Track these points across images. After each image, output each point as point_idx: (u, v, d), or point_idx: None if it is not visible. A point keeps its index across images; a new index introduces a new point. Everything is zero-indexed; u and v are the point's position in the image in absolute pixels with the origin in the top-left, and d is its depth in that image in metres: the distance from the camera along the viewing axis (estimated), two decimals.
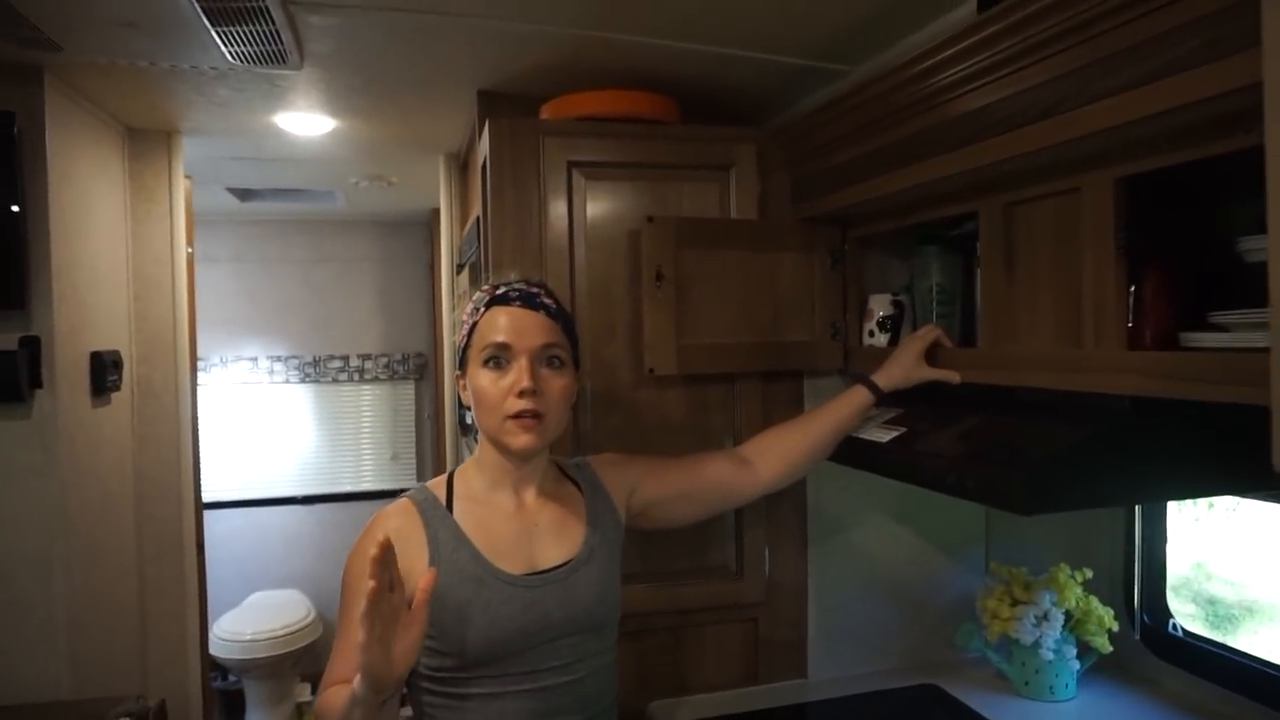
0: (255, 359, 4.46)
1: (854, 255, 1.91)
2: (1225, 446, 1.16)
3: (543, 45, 1.82)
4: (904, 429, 1.56)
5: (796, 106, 2.08)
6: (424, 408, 4.68)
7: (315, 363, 4.53)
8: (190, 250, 2.82)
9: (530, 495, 1.40)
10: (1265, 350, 0.91)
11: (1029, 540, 2.03)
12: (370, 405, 4.65)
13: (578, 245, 1.82)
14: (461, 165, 3.05)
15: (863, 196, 1.67)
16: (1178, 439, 1.22)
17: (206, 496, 3.04)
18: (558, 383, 1.34)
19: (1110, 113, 1.10)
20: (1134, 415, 1.22)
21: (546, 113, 1.92)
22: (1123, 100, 1.08)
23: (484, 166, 1.83)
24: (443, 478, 1.42)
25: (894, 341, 1.79)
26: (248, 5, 1.60)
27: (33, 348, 2.01)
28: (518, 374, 1.31)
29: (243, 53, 1.86)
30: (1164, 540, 1.88)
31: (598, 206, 1.83)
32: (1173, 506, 1.90)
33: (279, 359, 4.49)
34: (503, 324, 1.33)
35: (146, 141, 2.63)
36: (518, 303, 1.35)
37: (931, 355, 1.61)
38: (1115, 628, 1.82)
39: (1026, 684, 1.86)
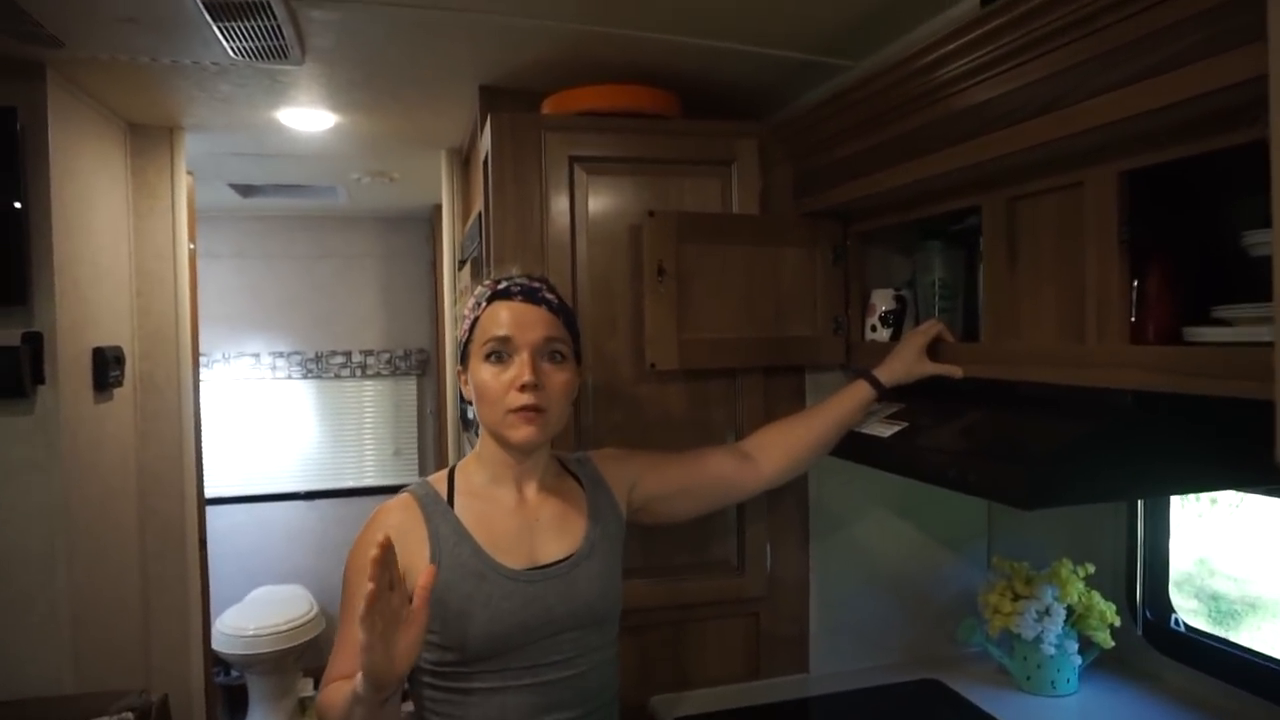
0: (258, 355, 4.46)
1: (856, 250, 1.91)
2: (1227, 441, 1.16)
3: (544, 40, 1.82)
4: (906, 424, 1.56)
5: (798, 101, 2.08)
6: (426, 403, 4.68)
7: (317, 358, 4.53)
8: (192, 246, 2.82)
9: (531, 490, 1.40)
10: (1269, 345, 0.91)
11: (1031, 535, 2.03)
12: (372, 401, 4.65)
13: (579, 240, 1.82)
14: (463, 161, 3.04)
15: (865, 191, 1.66)
16: (1180, 434, 1.22)
17: (209, 492, 3.05)
18: (559, 377, 1.34)
19: (1111, 108, 1.10)
20: (1136, 410, 1.22)
21: (548, 108, 1.92)
22: (1123, 95, 1.08)
23: (485, 162, 1.83)
24: (444, 473, 1.43)
25: (896, 336, 1.79)
26: (249, 0, 1.60)
27: (35, 343, 2.01)
28: (519, 368, 1.31)
29: (244, 48, 1.86)
30: (1166, 535, 1.88)
31: (599, 201, 1.83)
32: (1175, 502, 1.90)
33: (281, 355, 4.49)
34: (504, 318, 1.33)
35: (148, 137, 2.63)
36: (519, 297, 1.35)
37: (934, 350, 1.61)
38: (1117, 623, 1.82)
39: (1028, 679, 1.86)
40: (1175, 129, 1.08)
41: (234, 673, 3.96)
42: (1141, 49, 1.04)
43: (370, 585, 1.05)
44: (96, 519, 2.28)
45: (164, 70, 2.07)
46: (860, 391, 1.64)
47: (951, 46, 1.32)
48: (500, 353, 1.32)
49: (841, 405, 1.65)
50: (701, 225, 1.81)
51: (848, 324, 1.92)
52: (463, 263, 2.84)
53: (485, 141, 1.83)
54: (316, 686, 2.53)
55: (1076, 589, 1.83)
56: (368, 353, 4.59)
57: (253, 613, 3.90)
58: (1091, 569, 1.86)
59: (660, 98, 1.91)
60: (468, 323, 1.39)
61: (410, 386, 4.68)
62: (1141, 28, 1.03)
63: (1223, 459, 1.22)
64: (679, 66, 1.92)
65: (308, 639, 3.88)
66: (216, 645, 3.57)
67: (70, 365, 2.12)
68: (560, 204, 1.81)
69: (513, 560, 1.32)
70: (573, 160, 1.81)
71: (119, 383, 2.44)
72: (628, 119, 1.86)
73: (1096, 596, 1.83)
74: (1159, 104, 1.03)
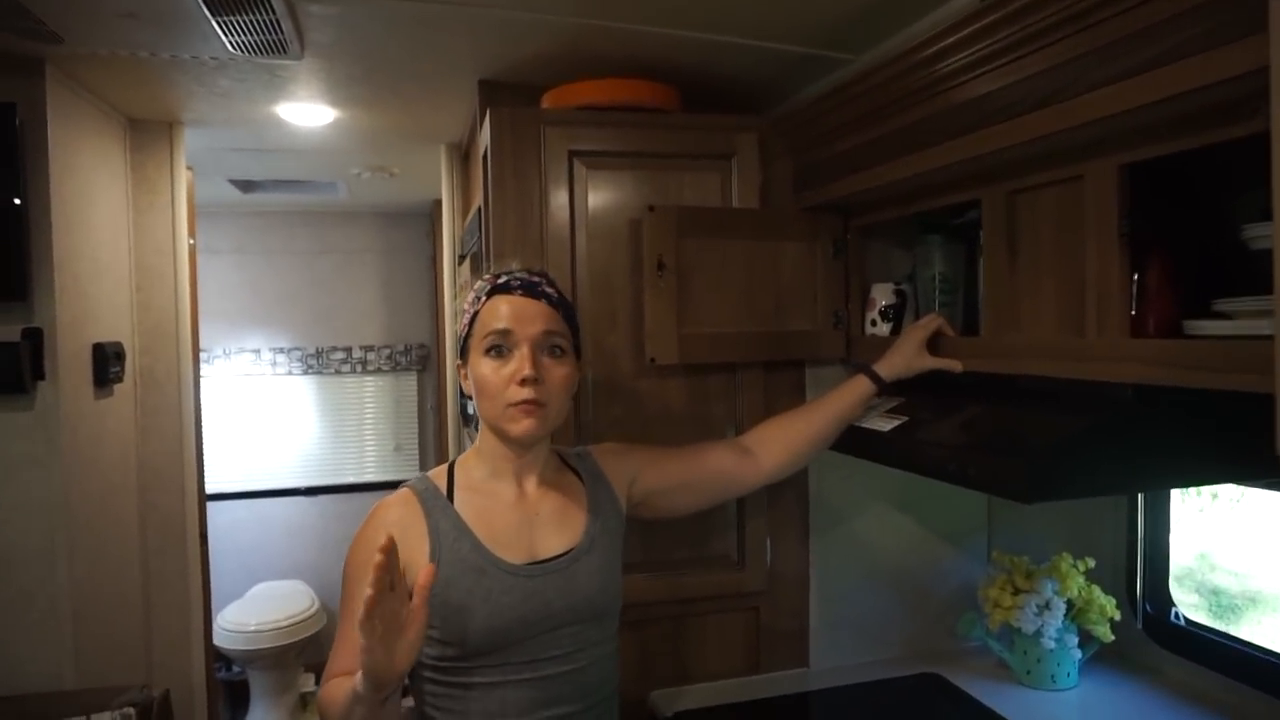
0: (258, 351, 4.46)
1: (856, 244, 1.91)
2: (1227, 435, 1.16)
3: (543, 34, 1.82)
4: (906, 418, 1.56)
5: (798, 95, 2.07)
6: (426, 399, 4.68)
7: (318, 354, 4.53)
8: (192, 241, 2.81)
9: (531, 484, 1.40)
10: (1269, 338, 0.91)
11: (1031, 529, 2.03)
12: (373, 397, 4.65)
13: (579, 235, 1.82)
14: (463, 156, 3.04)
15: (865, 185, 1.66)
16: (1180, 427, 1.22)
17: (210, 488, 3.05)
18: (559, 371, 1.34)
19: (1110, 101, 1.10)
20: (1136, 404, 1.22)
21: (547, 102, 1.92)
22: (1122, 88, 1.08)
23: (485, 156, 1.83)
24: (443, 467, 1.43)
25: (896, 331, 1.79)
26: None
27: (35, 339, 2.01)
28: (519, 362, 1.31)
29: (243, 42, 1.86)
30: (1166, 529, 1.88)
31: (599, 196, 1.83)
32: (1176, 498, 1.90)
33: (281, 351, 4.49)
34: (504, 312, 1.33)
35: (148, 132, 2.63)
36: (519, 291, 1.35)
37: (934, 344, 1.61)
38: (1117, 616, 1.82)
39: (1028, 673, 1.86)
40: (1174, 122, 1.08)
41: (235, 668, 3.97)
42: (1139, 43, 1.04)
43: (369, 591, 1.04)
44: (97, 514, 2.28)
45: (163, 65, 2.07)
46: (860, 386, 1.64)
47: (950, 40, 1.31)
48: (500, 346, 1.32)
49: (841, 400, 1.65)
50: (701, 220, 1.81)
51: (848, 318, 1.91)
52: (462, 258, 2.84)
53: (485, 136, 1.82)
54: (318, 682, 2.52)
55: (1076, 583, 1.83)
56: (368, 348, 4.59)
57: (254, 608, 3.90)
58: (1092, 563, 1.86)
59: (660, 92, 1.90)
60: (467, 317, 1.39)
61: (411, 382, 4.68)
62: (1138, 22, 1.03)
63: (1223, 453, 1.22)
64: (679, 60, 1.91)
65: (309, 634, 3.88)
66: (218, 641, 3.57)
67: (70, 361, 2.12)
68: (560, 198, 1.80)
69: (512, 555, 1.32)
70: (572, 155, 1.81)
71: (119, 378, 2.44)
72: (627, 113, 1.86)
73: (1096, 590, 1.83)
74: (1158, 97, 1.03)
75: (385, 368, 4.61)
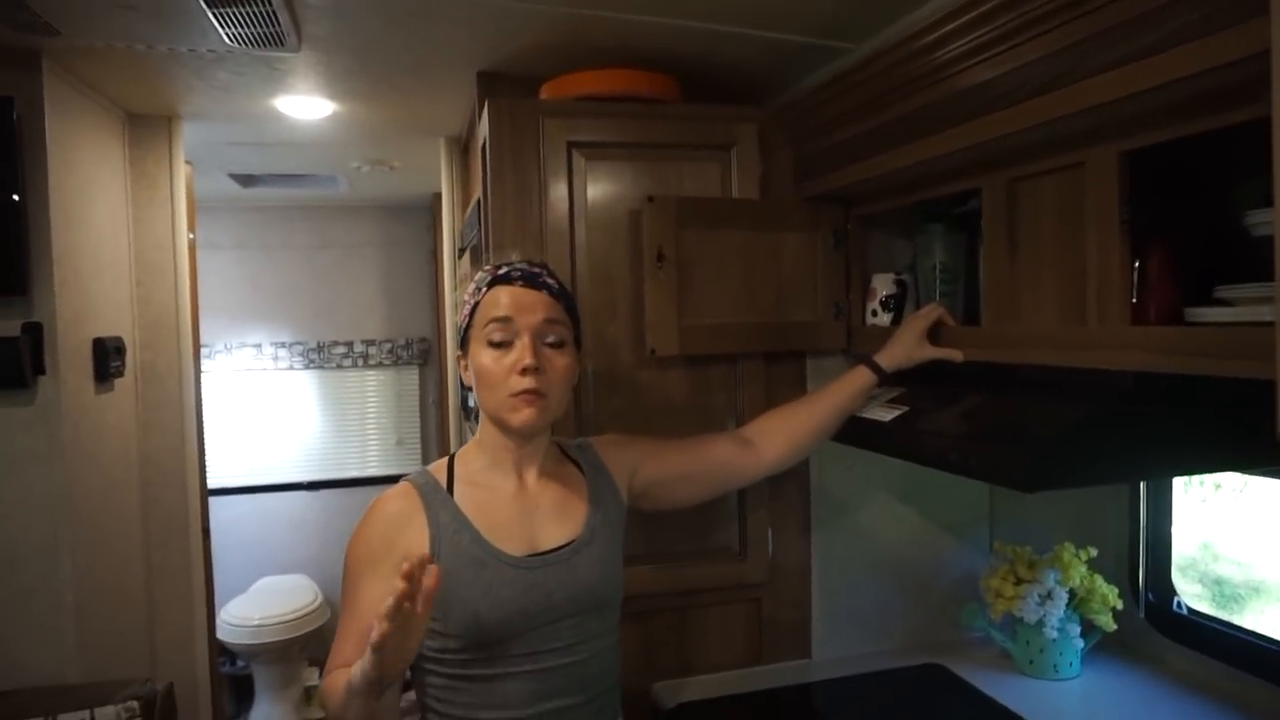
0: (259, 345, 4.46)
1: (857, 234, 1.90)
2: (1229, 422, 1.16)
3: (541, 24, 1.81)
4: (907, 408, 1.55)
5: (798, 85, 2.06)
6: (428, 393, 4.68)
7: (319, 348, 4.53)
8: (192, 236, 2.81)
9: (532, 476, 1.40)
10: (1270, 324, 0.91)
11: (1033, 519, 2.03)
12: (375, 391, 4.65)
13: (578, 226, 1.81)
14: (463, 148, 3.03)
15: (866, 174, 1.65)
16: (1181, 415, 1.22)
17: (213, 483, 3.05)
18: (560, 361, 1.34)
19: (1110, 86, 1.09)
20: (1137, 392, 1.22)
21: (546, 93, 1.91)
22: (1121, 74, 1.07)
23: (484, 148, 1.82)
24: (443, 461, 1.42)
25: (897, 321, 1.78)
26: None
27: (35, 334, 2.01)
28: (520, 351, 1.30)
29: (240, 34, 1.85)
30: (1169, 518, 1.88)
31: (598, 187, 1.82)
32: (1179, 488, 1.89)
33: (283, 345, 4.49)
34: (505, 301, 1.33)
35: (147, 127, 2.62)
36: (520, 282, 1.35)
37: (934, 334, 1.61)
38: (1119, 606, 1.82)
39: (1031, 663, 1.86)
40: (1174, 108, 1.08)
41: (239, 662, 3.98)
42: (1137, 28, 1.04)
43: (402, 586, 1.04)
44: (99, 509, 2.29)
45: (161, 58, 2.06)
46: (861, 376, 1.64)
47: (949, 27, 1.31)
48: (501, 334, 1.32)
49: (842, 390, 1.64)
50: (701, 210, 1.80)
51: (848, 309, 1.91)
52: (462, 251, 2.83)
53: (483, 128, 1.82)
54: (321, 676, 2.52)
55: (1079, 572, 1.83)
56: (369, 342, 4.58)
57: (258, 603, 3.91)
58: (1094, 552, 1.86)
59: (659, 82, 1.89)
60: (468, 308, 1.38)
61: (412, 376, 4.68)
62: (1136, 7, 1.03)
63: (1224, 440, 1.22)
64: (678, 50, 1.90)
65: (312, 628, 3.89)
66: (222, 635, 3.58)
67: (71, 355, 2.12)
68: (559, 190, 1.80)
69: (513, 547, 1.32)
70: (571, 146, 1.80)
71: (120, 373, 2.44)
72: (626, 104, 1.85)
73: (1099, 580, 1.83)
74: (1157, 82, 1.02)
75: (386, 362, 4.61)
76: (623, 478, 1.50)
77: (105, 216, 2.42)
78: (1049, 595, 1.82)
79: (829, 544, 2.02)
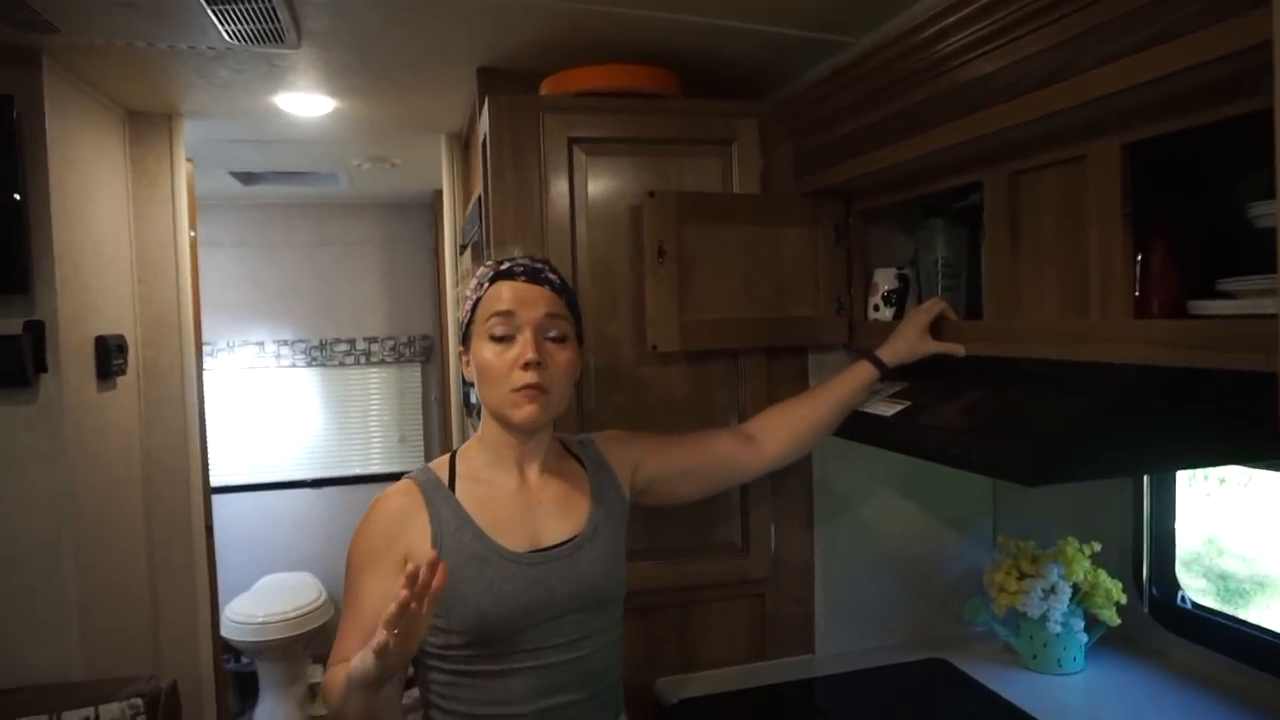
0: (262, 343, 4.46)
1: (858, 229, 1.90)
2: (1231, 415, 1.15)
3: (540, 19, 1.80)
4: (909, 403, 1.55)
5: (798, 79, 2.06)
6: (430, 390, 4.68)
7: (321, 346, 4.53)
8: (193, 233, 2.81)
9: (534, 472, 1.40)
10: (1273, 317, 0.90)
11: (1037, 514, 2.03)
12: (377, 388, 4.65)
13: (579, 222, 1.81)
14: (463, 145, 3.03)
15: (867, 168, 1.65)
16: (1184, 409, 1.21)
17: (217, 481, 3.06)
18: (562, 356, 1.34)
19: (1111, 79, 1.09)
20: (1140, 385, 1.21)
21: (546, 88, 1.91)
22: (1122, 66, 1.07)
23: (484, 144, 1.82)
24: (445, 458, 1.42)
25: (899, 315, 1.78)
26: None
27: (37, 332, 2.01)
28: (522, 346, 1.30)
29: (240, 31, 1.85)
30: (1172, 512, 1.87)
31: (599, 183, 1.82)
32: (1183, 482, 1.89)
33: (285, 343, 4.49)
34: (507, 296, 1.33)
35: (147, 124, 2.62)
36: (522, 277, 1.35)
37: (936, 328, 1.61)
38: (1123, 600, 1.82)
39: (1034, 657, 1.86)
40: (1175, 100, 1.07)
41: (244, 659, 3.99)
42: (1137, 20, 1.04)
43: (404, 593, 1.05)
44: (102, 507, 2.29)
45: (161, 55, 2.06)
46: (863, 371, 1.64)
47: (950, 20, 1.30)
48: (503, 329, 1.31)
49: (844, 385, 1.64)
50: (702, 205, 1.80)
51: (850, 303, 1.91)
52: (464, 247, 2.83)
53: (484, 124, 1.81)
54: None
55: (1082, 567, 1.82)
56: (371, 340, 4.59)
57: (261, 600, 3.92)
58: (1097, 547, 1.85)
59: (659, 77, 1.89)
60: (470, 303, 1.38)
61: (414, 373, 4.68)
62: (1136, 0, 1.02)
63: (1227, 433, 1.21)
64: (678, 45, 1.90)
65: (316, 625, 3.89)
66: (226, 632, 3.59)
67: (73, 353, 2.12)
68: (560, 186, 1.79)
69: (515, 543, 1.32)
70: (572, 141, 1.80)
71: (122, 370, 2.44)
72: (627, 99, 1.84)
73: (1102, 574, 1.83)
74: (1158, 74, 1.02)
75: (389, 359, 4.61)
76: (625, 473, 1.50)
77: (106, 214, 2.42)
78: (1052, 590, 1.82)
79: (832, 539, 2.02)
